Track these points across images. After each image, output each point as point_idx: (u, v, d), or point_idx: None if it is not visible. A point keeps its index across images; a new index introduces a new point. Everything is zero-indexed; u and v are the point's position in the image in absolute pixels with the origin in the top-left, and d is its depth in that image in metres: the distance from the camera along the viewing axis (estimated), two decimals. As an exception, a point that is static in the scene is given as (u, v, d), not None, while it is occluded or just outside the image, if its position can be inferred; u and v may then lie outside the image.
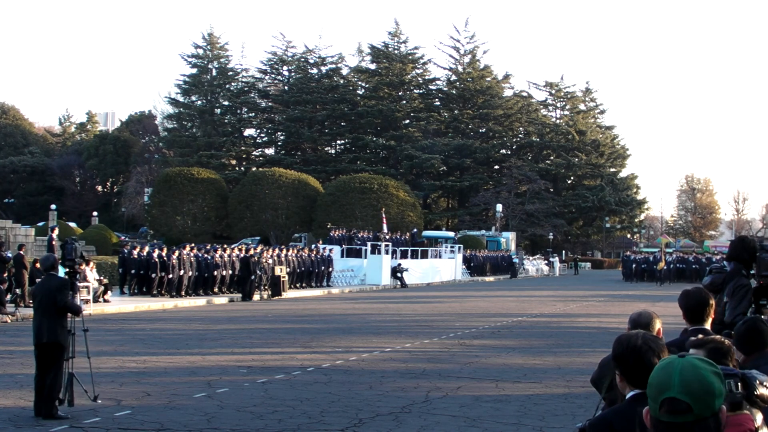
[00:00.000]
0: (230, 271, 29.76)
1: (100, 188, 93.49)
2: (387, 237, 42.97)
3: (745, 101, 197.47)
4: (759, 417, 2.82)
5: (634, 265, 54.16)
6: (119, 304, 24.59)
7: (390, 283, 40.18)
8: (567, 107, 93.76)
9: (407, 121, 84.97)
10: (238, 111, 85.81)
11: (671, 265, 51.73)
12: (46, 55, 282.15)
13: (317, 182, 63.37)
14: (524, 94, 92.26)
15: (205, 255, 29.59)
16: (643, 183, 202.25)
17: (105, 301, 24.72)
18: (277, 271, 30.79)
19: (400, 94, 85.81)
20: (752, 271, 6.63)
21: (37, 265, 24.09)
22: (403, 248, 44.60)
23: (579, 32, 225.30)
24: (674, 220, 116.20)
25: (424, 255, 46.96)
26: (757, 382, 2.85)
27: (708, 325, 5.04)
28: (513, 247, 67.02)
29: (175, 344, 15.92)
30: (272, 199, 58.65)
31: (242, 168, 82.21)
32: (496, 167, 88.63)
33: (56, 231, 26.78)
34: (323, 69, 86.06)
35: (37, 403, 9.20)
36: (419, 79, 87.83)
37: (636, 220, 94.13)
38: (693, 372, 2.35)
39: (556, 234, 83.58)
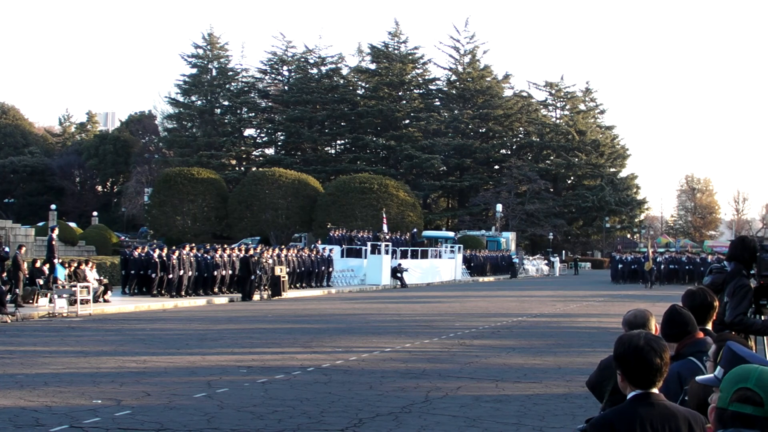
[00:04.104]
0: (230, 271, 29.76)
1: (100, 188, 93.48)
2: (387, 237, 42.97)
3: (745, 101, 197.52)
4: None
5: (620, 266, 52.01)
6: (119, 304, 24.59)
7: (390, 283, 40.17)
8: (567, 107, 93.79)
9: (407, 121, 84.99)
10: (238, 111, 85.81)
11: (662, 266, 49.69)
12: (46, 55, 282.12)
13: (317, 182, 63.35)
14: (524, 94, 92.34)
15: (205, 255, 29.59)
16: (643, 183, 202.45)
17: (105, 301, 24.72)
18: (277, 271, 30.79)
19: (400, 94, 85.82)
20: (752, 271, 6.62)
21: (37, 264, 24.24)
22: (403, 248, 44.60)
23: (579, 32, 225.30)
24: (674, 220, 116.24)
25: (424, 255, 46.96)
26: None
27: (709, 326, 5.03)
28: (513, 247, 67.02)
29: (175, 344, 15.91)
30: (272, 199, 58.64)
31: (242, 168, 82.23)
32: (496, 167, 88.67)
33: (56, 231, 26.73)
34: (323, 69, 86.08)
35: None
36: (419, 79, 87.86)
37: (636, 220, 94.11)
38: None
39: (556, 234, 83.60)
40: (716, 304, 5.05)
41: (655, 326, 4.61)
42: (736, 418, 2.37)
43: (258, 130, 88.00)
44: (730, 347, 3.37)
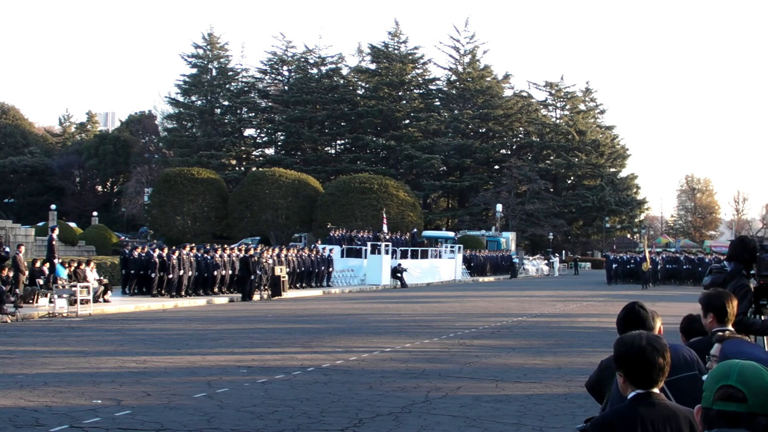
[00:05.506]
0: (230, 271, 29.76)
1: (100, 188, 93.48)
2: (387, 237, 42.97)
3: (745, 101, 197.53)
4: None
5: (615, 266, 50.86)
6: (119, 304, 24.59)
7: (390, 283, 40.17)
8: (567, 107, 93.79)
9: (407, 121, 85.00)
10: (238, 111, 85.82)
11: (659, 266, 48.82)
12: (46, 55, 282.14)
13: (317, 182, 63.37)
14: (524, 94, 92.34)
15: (205, 255, 29.58)
16: (643, 183, 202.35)
17: (105, 301, 24.72)
18: (277, 271, 30.79)
19: (400, 94, 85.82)
20: (752, 272, 6.62)
21: (37, 264, 24.24)
22: (403, 248, 44.60)
23: (579, 32, 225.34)
24: (674, 220, 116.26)
25: (424, 255, 46.95)
26: None
27: (730, 326, 5.03)
28: (513, 247, 67.02)
29: (175, 344, 15.91)
30: (272, 199, 58.65)
31: (242, 168, 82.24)
32: (496, 167, 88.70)
33: (56, 231, 26.73)
34: (323, 69, 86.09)
35: None
36: (419, 79, 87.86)
37: (636, 220, 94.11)
38: (753, 369, 2.37)
39: (556, 234, 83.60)
40: (733, 304, 5.04)
41: (659, 326, 4.60)
42: (720, 417, 2.36)
43: (258, 130, 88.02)
44: (724, 351, 3.36)
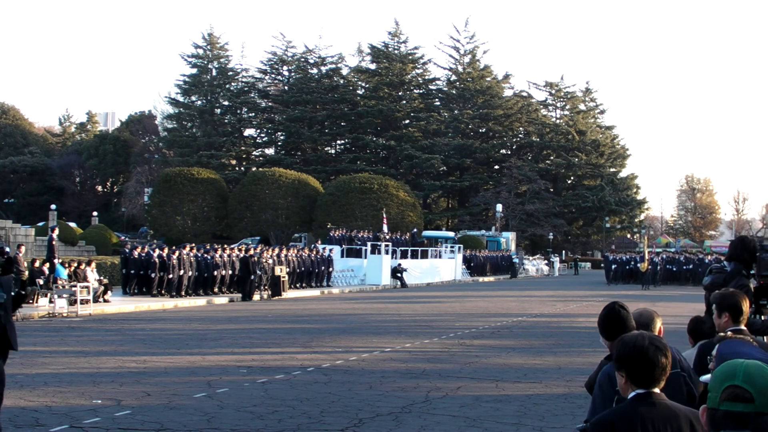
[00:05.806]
0: (230, 271, 29.76)
1: (100, 188, 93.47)
2: (387, 237, 42.97)
3: (745, 101, 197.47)
4: None
5: (614, 266, 50.70)
6: (119, 304, 24.59)
7: (390, 283, 40.18)
8: (567, 107, 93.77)
9: (407, 121, 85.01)
10: (238, 111, 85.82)
11: (659, 267, 48.36)
12: (46, 55, 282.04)
13: (317, 182, 63.37)
14: (524, 94, 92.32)
15: (205, 255, 29.59)
16: (643, 183, 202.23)
17: (105, 301, 24.72)
18: (277, 271, 30.79)
19: (400, 94, 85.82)
20: (752, 272, 6.62)
21: (36, 264, 24.23)
22: (403, 248, 44.60)
23: (579, 32, 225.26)
24: (674, 220, 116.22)
25: (424, 255, 46.95)
26: None
27: (743, 326, 5.02)
28: (513, 247, 67.03)
29: (175, 344, 15.91)
30: (272, 199, 58.66)
31: (242, 168, 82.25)
32: (496, 167, 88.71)
33: (56, 231, 26.73)
34: (323, 69, 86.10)
35: None
36: (419, 79, 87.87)
37: (636, 220, 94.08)
38: (758, 368, 2.37)
39: (556, 234, 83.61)
40: (747, 303, 5.03)
41: (659, 327, 4.60)
42: (727, 418, 2.36)
43: (258, 130, 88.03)
44: (719, 351, 3.35)
